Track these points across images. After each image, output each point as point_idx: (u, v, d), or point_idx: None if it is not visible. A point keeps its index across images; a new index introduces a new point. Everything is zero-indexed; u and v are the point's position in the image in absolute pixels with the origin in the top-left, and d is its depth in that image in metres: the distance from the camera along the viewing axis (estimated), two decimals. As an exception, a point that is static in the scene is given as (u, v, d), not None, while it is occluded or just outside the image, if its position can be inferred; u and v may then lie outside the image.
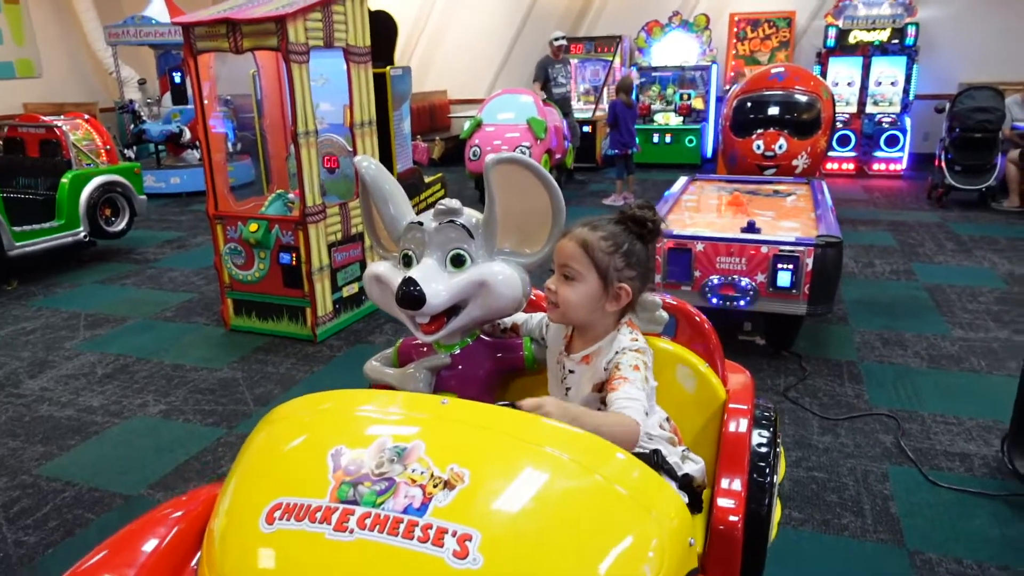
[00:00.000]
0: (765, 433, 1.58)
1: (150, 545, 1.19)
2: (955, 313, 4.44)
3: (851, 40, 9.27)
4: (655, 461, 1.43)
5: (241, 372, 3.89)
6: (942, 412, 3.23)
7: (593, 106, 10.35)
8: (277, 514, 0.99)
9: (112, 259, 6.33)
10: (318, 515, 0.97)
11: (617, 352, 1.43)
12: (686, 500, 1.43)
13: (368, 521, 0.94)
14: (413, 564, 0.90)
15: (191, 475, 2.94)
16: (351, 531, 0.94)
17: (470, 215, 1.59)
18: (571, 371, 1.53)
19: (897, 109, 9.20)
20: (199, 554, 1.17)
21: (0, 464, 3.04)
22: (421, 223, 1.57)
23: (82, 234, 5.96)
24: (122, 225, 6.39)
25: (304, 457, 1.11)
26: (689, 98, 10.18)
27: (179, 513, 1.26)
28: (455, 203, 1.58)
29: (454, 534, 0.92)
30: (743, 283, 3.59)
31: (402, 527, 0.93)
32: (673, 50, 10.23)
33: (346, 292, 4.47)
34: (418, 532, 0.92)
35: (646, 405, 1.36)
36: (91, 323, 4.73)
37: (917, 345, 3.97)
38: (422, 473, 1.00)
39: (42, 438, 3.25)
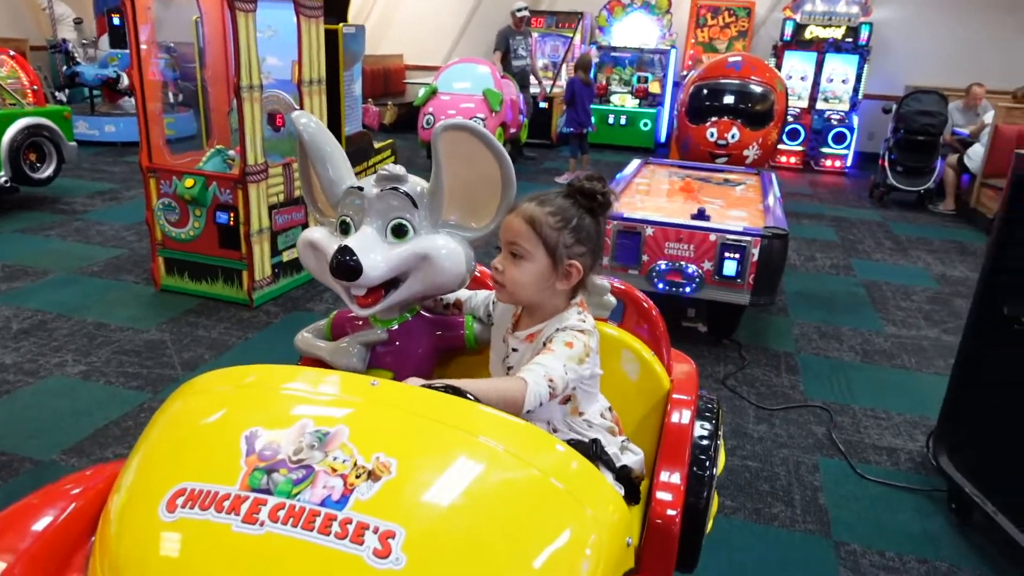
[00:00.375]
0: (707, 425, 1.56)
1: (42, 523, 1.08)
2: (889, 310, 4.56)
3: (807, 35, 9.39)
4: (593, 451, 1.38)
5: (170, 334, 3.71)
6: (872, 407, 3.31)
7: (551, 81, 10.24)
8: (180, 501, 0.90)
9: (36, 207, 5.96)
10: (225, 504, 0.88)
11: (558, 329, 1.37)
12: (622, 492, 1.39)
13: (281, 513, 0.86)
14: (328, 563, 0.82)
15: (110, 441, 2.78)
16: (261, 523, 0.85)
17: (415, 183, 1.50)
18: (514, 349, 1.46)
19: (846, 107, 9.39)
20: (95, 536, 1.07)
21: None
22: (361, 188, 1.47)
23: (2, 179, 5.59)
24: (48, 172, 6.00)
25: (215, 437, 1.01)
26: (646, 81, 10.17)
27: (78, 489, 1.15)
28: (399, 169, 1.48)
29: (376, 530, 0.84)
30: (690, 270, 3.59)
31: (318, 521, 0.85)
32: (633, 31, 10.17)
33: (286, 256, 4.31)
34: (336, 527, 0.84)
35: (561, 376, 1.28)
36: (8, 275, 4.44)
37: (852, 340, 4.05)
38: (344, 461, 0.91)
39: (-55, 395, 3.04)
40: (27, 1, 10.67)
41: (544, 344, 1.37)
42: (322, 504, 0.87)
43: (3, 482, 2.51)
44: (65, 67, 8.72)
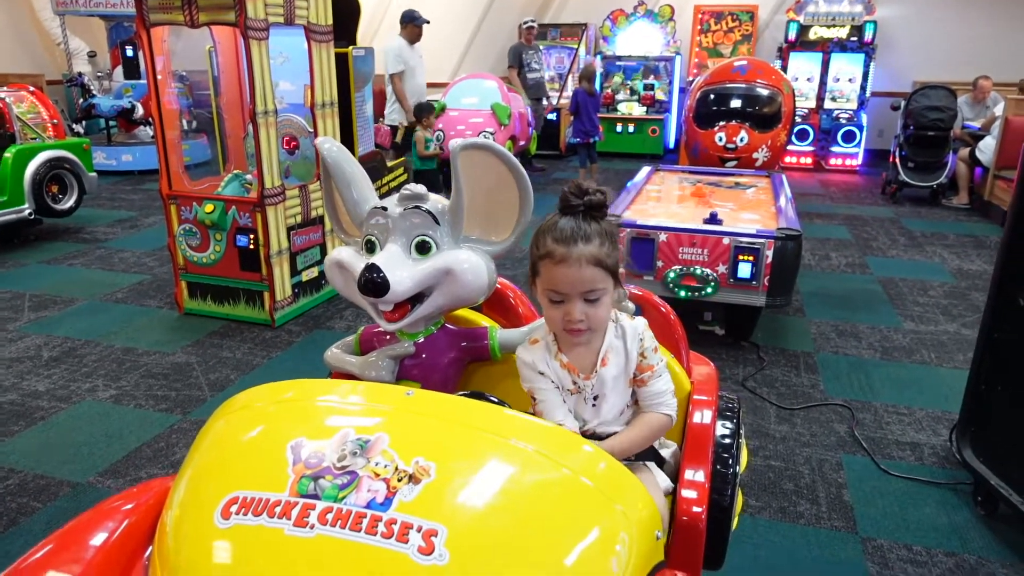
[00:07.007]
0: (729, 424, 1.59)
1: (99, 539, 1.13)
2: (907, 306, 4.56)
3: (811, 36, 9.43)
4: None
5: (196, 357, 3.79)
6: (894, 403, 3.32)
7: (558, 93, 10.33)
8: (233, 508, 0.95)
9: (59, 238, 6.10)
10: (277, 510, 0.93)
11: (641, 338, 1.45)
12: (672, 486, 1.45)
13: (329, 516, 0.91)
14: (377, 560, 0.87)
15: (143, 462, 2.85)
16: (312, 527, 0.90)
17: (436, 201, 1.55)
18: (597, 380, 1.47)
19: (854, 105, 9.39)
20: (151, 548, 1.13)
21: (-63, 451, 2.92)
22: (385, 208, 1.53)
23: (27, 211, 5.73)
24: (70, 203, 6.15)
25: (262, 449, 1.06)
26: (652, 88, 10.23)
27: (130, 505, 1.20)
28: (420, 188, 1.54)
29: (419, 529, 0.89)
30: (705, 273, 3.62)
31: (365, 522, 0.90)
32: (638, 40, 10.25)
33: (305, 276, 4.39)
34: (382, 527, 0.89)
35: (672, 388, 1.47)
36: (36, 304, 4.55)
37: (871, 337, 4.06)
38: (386, 467, 0.96)
39: (-17, 424, 3.12)
40: (41, 37, 10.92)
41: (643, 360, 1.45)
42: (367, 506, 0.92)
43: (43, 505, 2.58)
44: (81, 100, 8.94)
